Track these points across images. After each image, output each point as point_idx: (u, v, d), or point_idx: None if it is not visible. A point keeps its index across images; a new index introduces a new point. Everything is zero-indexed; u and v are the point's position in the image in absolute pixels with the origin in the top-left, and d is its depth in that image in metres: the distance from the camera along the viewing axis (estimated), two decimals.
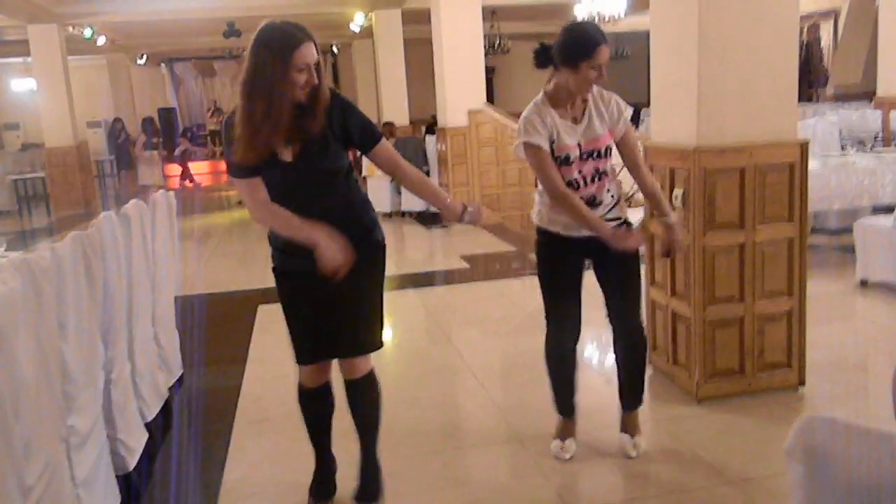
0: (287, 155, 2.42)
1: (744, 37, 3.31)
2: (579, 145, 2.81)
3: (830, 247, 6.71)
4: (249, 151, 2.34)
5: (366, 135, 2.51)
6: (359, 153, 2.68)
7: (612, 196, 2.92)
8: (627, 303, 3.01)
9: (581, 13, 12.90)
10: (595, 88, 2.83)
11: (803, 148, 3.43)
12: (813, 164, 5.94)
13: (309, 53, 2.28)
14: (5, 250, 3.98)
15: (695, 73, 3.31)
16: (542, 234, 2.98)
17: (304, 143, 2.41)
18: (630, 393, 3.16)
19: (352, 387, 2.70)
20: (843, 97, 15.25)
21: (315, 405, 2.79)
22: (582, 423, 3.21)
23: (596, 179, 2.85)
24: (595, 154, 2.83)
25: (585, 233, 2.84)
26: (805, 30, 17.13)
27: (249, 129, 2.31)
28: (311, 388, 2.75)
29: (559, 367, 3.09)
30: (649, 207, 3.03)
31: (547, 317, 3.04)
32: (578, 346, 3.09)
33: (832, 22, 17.18)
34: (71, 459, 2.31)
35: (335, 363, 2.74)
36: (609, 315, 3.05)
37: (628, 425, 3.14)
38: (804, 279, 3.55)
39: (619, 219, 2.94)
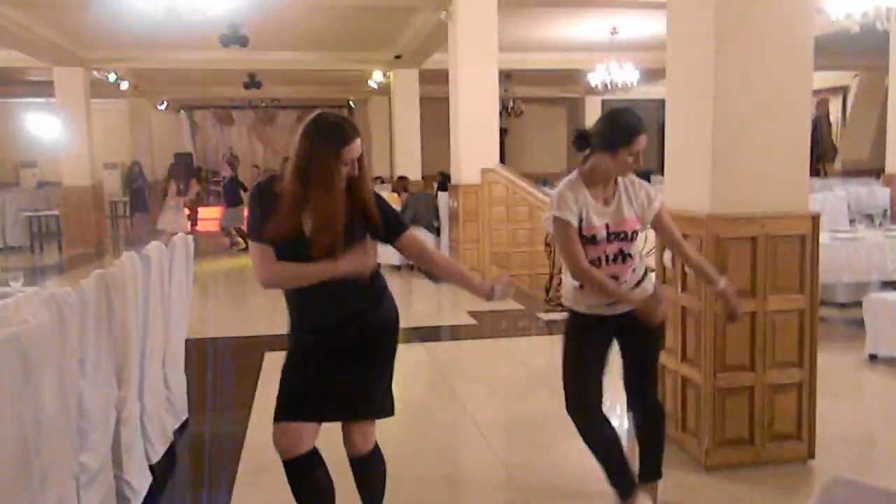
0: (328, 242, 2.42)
1: (758, 110, 3.40)
2: (607, 226, 2.86)
3: (839, 320, 6.71)
4: (287, 222, 2.39)
5: (394, 224, 2.59)
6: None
7: (635, 272, 2.94)
8: (650, 377, 3.03)
9: (595, 80, 13.17)
10: (628, 176, 2.92)
11: (815, 221, 3.48)
12: (822, 237, 6.01)
13: (356, 149, 2.40)
14: (22, 285, 4.02)
15: (709, 144, 3.39)
16: (571, 314, 3.00)
17: (348, 233, 2.43)
18: (650, 465, 3.11)
19: (363, 462, 2.65)
20: (851, 173, 15.43)
21: (304, 478, 2.55)
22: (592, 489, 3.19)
23: (619, 260, 2.90)
24: (622, 236, 2.89)
25: (614, 310, 2.88)
26: (814, 105, 17.42)
27: (295, 205, 2.38)
28: (293, 458, 2.52)
29: (602, 438, 2.98)
30: (703, 276, 3.08)
31: (568, 395, 2.97)
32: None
33: (841, 98, 17.49)
34: (80, 497, 2.31)
35: (335, 442, 2.66)
36: (628, 387, 3.05)
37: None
38: (815, 351, 3.56)
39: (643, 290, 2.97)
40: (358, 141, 2.40)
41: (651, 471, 3.11)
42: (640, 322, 2.84)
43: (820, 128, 17.61)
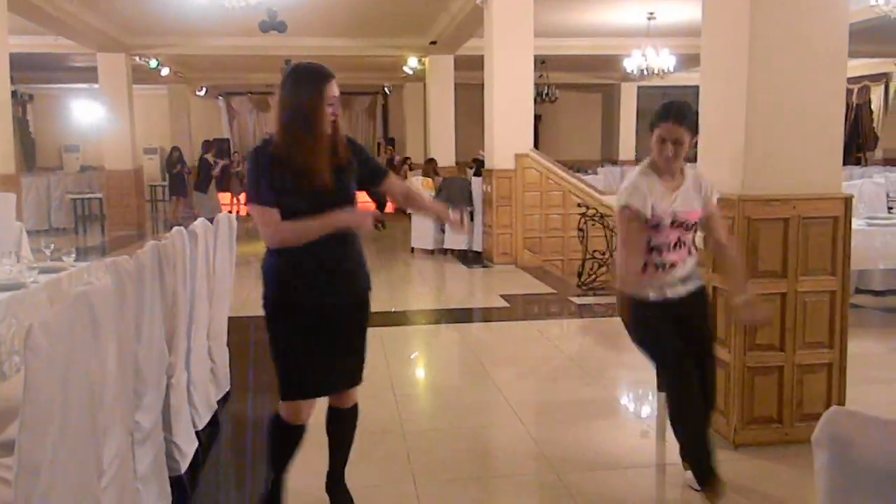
0: (321, 181, 2.54)
1: (792, 93, 3.43)
2: (673, 213, 2.97)
3: (874, 307, 6.67)
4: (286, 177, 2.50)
5: (378, 169, 2.81)
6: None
7: (690, 261, 3.05)
8: (708, 371, 3.09)
9: (630, 66, 13.10)
10: (694, 170, 3.05)
11: (847, 202, 3.50)
12: (859, 224, 5.97)
13: (335, 88, 2.54)
14: (75, 260, 4.22)
15: (742, 125, 3.43)
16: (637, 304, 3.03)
17: (334, 170, 2.58)
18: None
19: (343, 414, 2.83)
20: (893, 161, 15.14)
21: (295, 439, 2.75)
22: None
23: (679, 247, 3.00)
24: (684, 225, 2.99)
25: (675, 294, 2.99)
26: (855, 92, 17.11)
27: (291, 149, 2.50)
28: (296, 425, 2.70)
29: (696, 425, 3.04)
30: (730, 283, 3.18)
31: (669, 381, 3.03)
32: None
33: (883, 85, 17.13)
34: (134, 453, 2.46)
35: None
36: None
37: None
38: (845, 333, 3.59)
39: (699, 286, 3.09)
40: (334, 81, 2.53)
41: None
42: None
43: (861, 116, 17.30)
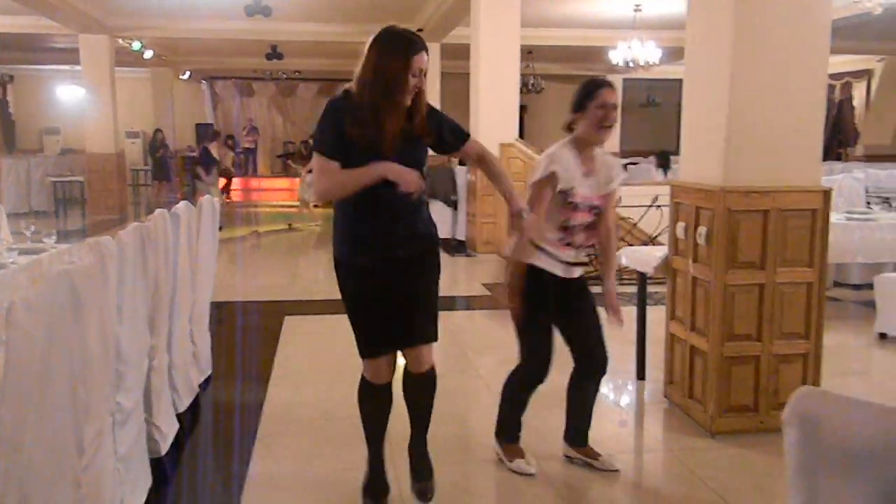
0: (386, 147, 2.58)
1: (775, 87, 3.47)
2: (585, 196, 3.07)
3: (851, 301, 6.77)
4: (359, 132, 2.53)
5: (458, 131, 2.79)
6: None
7: (590, 246, 3.23)
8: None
9: (616, 58, 13.14)
10: (602, 152, 3.13)
11: (826, 196, 3.55)
12: (838, 218, 6.05)
13: (424, 60, 2.53)
14: (55, 242, 4.19)
15: (724, 118, 3.46)
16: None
17: (405, 139, 2.60)
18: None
19: (418, 380, 2.86)
20: (873, 157, 15.32)
21: (381, 401, 2.85)
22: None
23: (589, 229, 3.14)
24: (594, 209, 3.11)
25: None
26: (837, 88, 17.27)
27: (366, 111, 2.53)
28: (379, 385, 2.81)
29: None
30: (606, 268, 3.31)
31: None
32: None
33: (865, 82, 17.30)
34: (115, 434, 2.46)
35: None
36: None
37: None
38: (821, 324, 3.65)
39: (584, 264, 3.24)
40: (425, 53, 2.52)
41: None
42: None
43: (843, 112, 17.47)
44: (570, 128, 3.12)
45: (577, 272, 3.17)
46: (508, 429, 3.36)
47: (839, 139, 17.52)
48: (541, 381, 3.24)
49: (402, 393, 2.90)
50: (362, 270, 2.69)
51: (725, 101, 3.46)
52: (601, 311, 3.25)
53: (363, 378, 2.84)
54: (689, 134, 3.88)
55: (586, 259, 3.32)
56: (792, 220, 3.53)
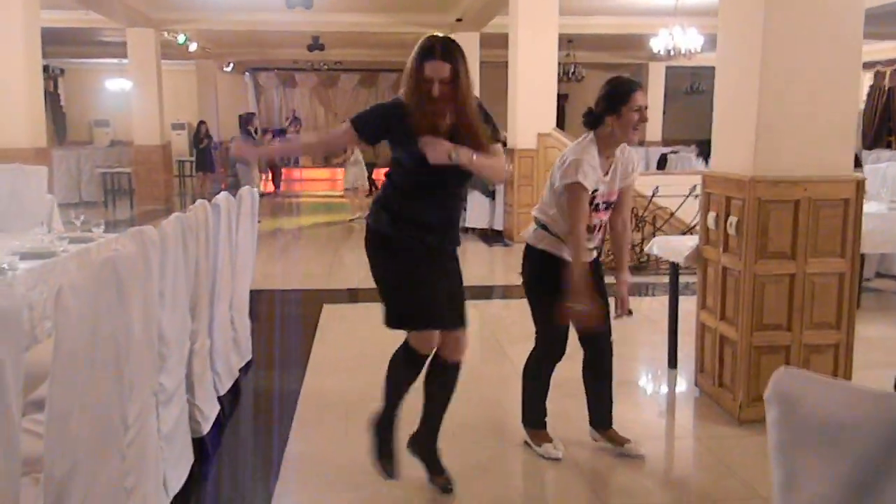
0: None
1: (805, 75, 3.45)
2: (604, 194, 3.12)
3: (894, 292, 6.65)
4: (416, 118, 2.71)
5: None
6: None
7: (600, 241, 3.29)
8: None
9: (657, 46, 13.00)
10: (622, 146, 3.15)
11: (859, 185, 3.53)
12: (880, 208, 5.94)
13: (436, 68, 2.65)
14: (103, 231, 4.37)
15: (755, 107, 3.46)
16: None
17: (449, 137, 2.71)
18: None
19: (448, 370, 2.95)
20: None
21: (417, 369, 2.93)
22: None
23: (602, 228, 3.21)
24: (609, 206, 3.18)
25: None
26: (887, 75, 16.80)
27: (408, 109, 2.73)
28: (421, 354, 2.89)
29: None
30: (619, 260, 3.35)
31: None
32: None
33: None
34: (158, 413, 2.59)
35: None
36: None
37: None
38: (853, 315, 3.63)
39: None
40: (441, 62, 2.64)
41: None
42: None
43: (893, 99, 16.99)
44: (593, 124, 3.12)
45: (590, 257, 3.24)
46: (534, 414, 3.44)
47: (889, 127, 17.05)
48: (558, 357, 3.33)
49: (423, 387, 2.98)
50: (408, 247, 2.81)
51: (756, 88, 3.46)
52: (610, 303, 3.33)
53: (406, 345, 2.91)
54: (720, 122, 3.87)
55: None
56: (824, 210, 3.51)
